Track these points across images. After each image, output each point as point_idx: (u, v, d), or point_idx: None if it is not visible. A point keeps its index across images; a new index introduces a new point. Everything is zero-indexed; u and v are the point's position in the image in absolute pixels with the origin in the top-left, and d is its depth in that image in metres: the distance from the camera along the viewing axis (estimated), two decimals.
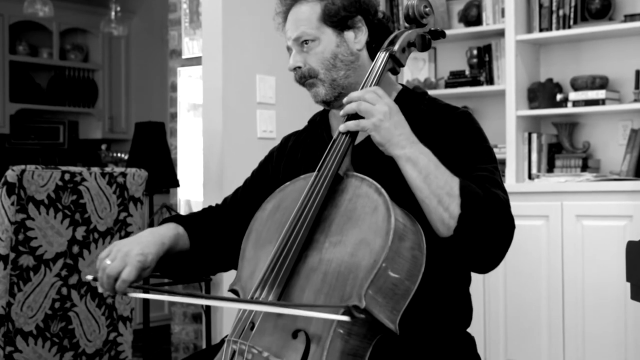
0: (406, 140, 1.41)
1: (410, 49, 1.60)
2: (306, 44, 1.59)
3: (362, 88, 1.52)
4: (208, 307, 3.38)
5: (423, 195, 1.39)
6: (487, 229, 1.37)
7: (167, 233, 1.57)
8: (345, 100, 1.46)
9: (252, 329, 1.36)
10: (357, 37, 1.61)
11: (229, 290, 1.51)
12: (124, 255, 1.46)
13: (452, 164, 1.44)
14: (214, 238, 1.66)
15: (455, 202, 1.37)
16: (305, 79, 1.60)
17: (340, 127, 1.45)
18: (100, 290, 1.48)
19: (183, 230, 1.62)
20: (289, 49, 1.64)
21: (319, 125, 1.70)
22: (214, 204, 1.77)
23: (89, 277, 1.48)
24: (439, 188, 1.38)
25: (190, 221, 1.66)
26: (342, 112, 1.47)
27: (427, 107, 1.59)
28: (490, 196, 1.40)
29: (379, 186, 1.39)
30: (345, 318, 1.25)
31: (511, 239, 1.42)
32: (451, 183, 1.39)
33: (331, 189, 1.43)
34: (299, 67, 1.60)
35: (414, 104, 1.60)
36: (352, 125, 1.44)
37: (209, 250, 1.65)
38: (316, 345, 1.29)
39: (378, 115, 1.41)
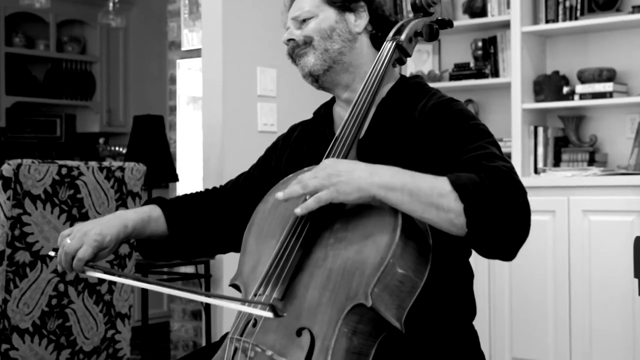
0: (367, 174, 1.31)
1: (417, 38, 1.57)
2: (304, 22, 1.58)
3: (367, 79, 1.50)
4: (208, 304, 3.34)
5: (420, 212, 1.30)
6: (498, 206, 1.28)
7: (132, 216, 1.59)
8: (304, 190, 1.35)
9: (254, 325, 1.34)
10: (357, 21, 1.59)
11: (229, 285, 1.49)
12: (82, 235, 1.51)
13: (439, 156, 1.41)
14: (196, 222, 1.66)
15: (452, 197, 1.28)
16: (299, 48, 1.58)
17: (297, 210, 1.34)
18: (59, 268, 1.53)
19: (159, 214, 1.63)
20: (288, 29, 1.63)
21: (323, 119, 1.67)
22: (218, 186, 1.77)
23: (52, 253, 1.54)
24: (428, 196, 1.30)
25: (171, 204, 1.67)
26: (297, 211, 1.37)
27: (418, 97, 1.55)
28: (488, 172, 1.31)
29: None
30: (270, 315, 1.24)
31: (528, 206, 1.32)
32: (438, 184, 1.30)
33: None
34: (293, 39, 1.59)
35: (407, 94, 1.57)
36: (311, 203, 1.33)
37: (189, 232, 1.66)
38: (321, 344, 1.27)
39: (325, 180, 1.32)
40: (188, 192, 1.75)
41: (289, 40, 1.59)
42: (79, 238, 1.50)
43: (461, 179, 1.30)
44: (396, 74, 1.64)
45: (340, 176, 1.31)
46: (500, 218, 1.29)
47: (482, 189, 1.29)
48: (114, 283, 2.64)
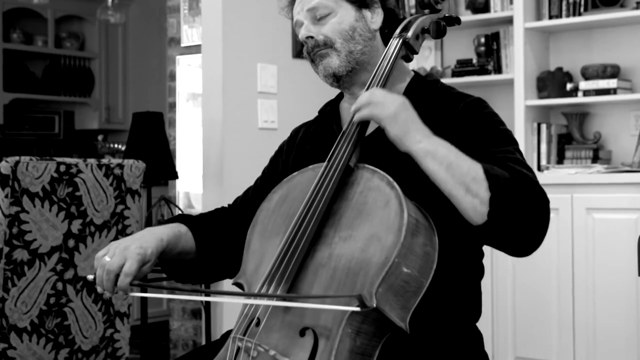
0: (421, 134, 1.36)
1: (424, 35, 1.56)
2: (321, 17, 1.54)
3: (374, 76, 1.49)
4: (207, 303, 3.32)
5: (449, 187, 1.34)
6: (521, 207, 1.32)
7: (165, 231, 1.54)
8: (353, 108, 1.41)
9: (257, 325, 1.33)
10: (374, 18, 1.57)
11: (233, 284, 1.48)
12: (123, 250, 1.44)
13: (468, 154, 1.39)
14: (220, 239, 1.61)
15: (484, 186, 1.32)
16: (319, 48, 1.54)
17: (355, 117, 1.40)
18: (100, 290, 1.44)
19: (186, 230, 1.58)
20: (297, 23, 1.58)
21: (329, 115, 1.65)
22: (226, 205, 1.72)
23: (90, 277, 1.46)
24: (463, 176, 1.33)
25: (195, 221, 1.62)
26: (355, 119, 1.43)
27: (439, 95, 1.55)
28: (516, 174, 1.35)
29: (391, 179, 1.35)
30: (357, 309, 1.20)
31: (548, 214, 1.36)
32: (475, 168, 1.34)
33: (341, 181, 1.39)
34: (312, 37, 1.54)
35: (425, 92, 1.56)
36: (365, 113, 1.38)
37: (216, 251, 1.60)
38: (324, 344, 1.25)
39: (391, 107, 1.36)
40: (200, 213, 1.70)
41: (308, 37, 1.55)
42: (120, 254, 1.43)
43: (495, 170, 1.34)
44: (408, 70, 1.62)
45: (402, 113, 1.36)
46: (522, 216, 1.32)
47: (511, 185, 1.32)
48: None
